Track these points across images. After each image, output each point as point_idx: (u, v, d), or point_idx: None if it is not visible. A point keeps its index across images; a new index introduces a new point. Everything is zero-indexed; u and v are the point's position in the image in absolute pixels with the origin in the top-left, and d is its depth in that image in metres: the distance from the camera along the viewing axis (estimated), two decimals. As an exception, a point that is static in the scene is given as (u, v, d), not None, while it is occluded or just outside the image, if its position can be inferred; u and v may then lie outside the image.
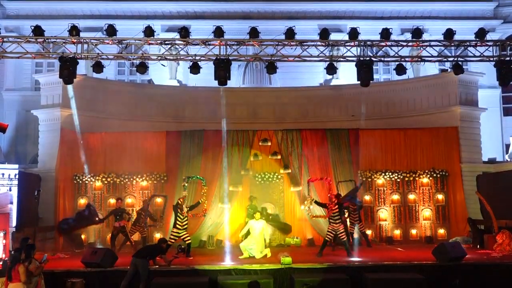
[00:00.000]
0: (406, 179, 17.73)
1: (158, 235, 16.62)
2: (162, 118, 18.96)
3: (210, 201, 16.98)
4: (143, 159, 17.22)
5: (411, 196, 17.75)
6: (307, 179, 15.45)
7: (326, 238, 13.91)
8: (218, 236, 17.07)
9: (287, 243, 16.92)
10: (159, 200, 16.95)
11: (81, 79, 17.84)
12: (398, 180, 17.71)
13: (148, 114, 19.11)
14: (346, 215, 15.69)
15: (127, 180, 17.34)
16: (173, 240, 13.87)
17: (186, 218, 13.99)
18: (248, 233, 14.11)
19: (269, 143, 17.52)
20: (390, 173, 17.69)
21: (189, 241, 14.00)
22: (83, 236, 16.65)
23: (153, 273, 11.36)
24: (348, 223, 15.69)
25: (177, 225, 13.92)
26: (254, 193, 17.28)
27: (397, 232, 17.54)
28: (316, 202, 14.64)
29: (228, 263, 12.58)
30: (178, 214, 13.96)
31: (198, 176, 15.65)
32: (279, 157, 17.46)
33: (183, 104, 19.43)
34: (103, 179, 17.30)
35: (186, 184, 14.92)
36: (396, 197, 17.73)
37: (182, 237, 13.97)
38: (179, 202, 14.21)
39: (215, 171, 17.22)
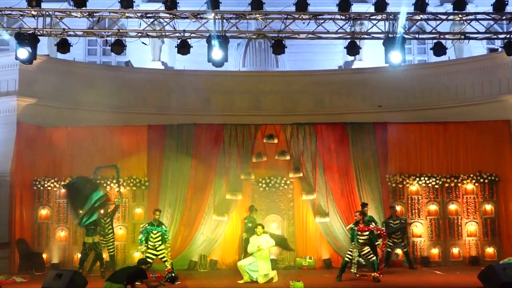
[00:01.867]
0: (446, 185, 17.73)
1: (137, 255, 16.65)
2: (143, 109, 19.06)
3: (202, 213, 17.12)
4: (120, 159, 17.22)
5: (452, 207, 17.75)
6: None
7: (346, 259, 13.94)
8: (212, 255, 17.12)
9: (298, 264, 16.97)
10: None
11: (43, 60, 17.87)
12: (436, 186, 17.72)
13: (126, 104, 19.17)
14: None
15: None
16: (150, 260, 13.77)
17: (158, 234, 14.03)
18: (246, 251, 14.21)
19: (276, 140, 17.57)
20: (426, 178, 17.69)
21: (169, 261, 14.00)
22: (44, 256, 16.70)
23: None
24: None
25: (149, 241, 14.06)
26: (257, 202, 17.38)
27: (435, 251, 17.57)
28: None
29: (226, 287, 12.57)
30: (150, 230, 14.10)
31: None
32: (288, 157, 17.51)
33: (169, 92, 19.48)
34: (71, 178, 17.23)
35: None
36: (433, 207, 17.74)
37: (159, 257, 14.01)
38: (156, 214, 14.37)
39: (208, 175, 17.30)
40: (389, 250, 16.34)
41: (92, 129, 17.53)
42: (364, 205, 15.96)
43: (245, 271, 13.66)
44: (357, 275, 13.69)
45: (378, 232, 14.16)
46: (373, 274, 13.48)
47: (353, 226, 13.89)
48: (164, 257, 14.01)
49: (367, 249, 13.80)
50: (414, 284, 13.10)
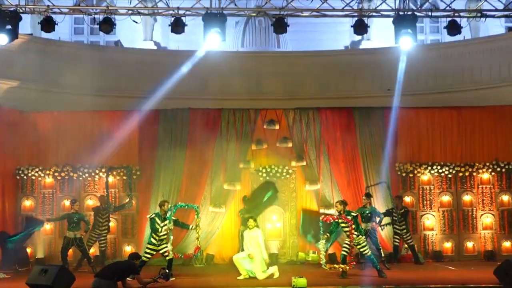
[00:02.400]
0: (460, 174, 17.73)
1: (128, 249, 16.75)
2: (134, 93, 18.99)
3: (198, 204, 16.83)
4: (109, 147, 17.12)
5: (467, 198, 17.77)
6: (322, 217, 14.49)
7: (343, 253, 14.01)
8: (209, 250, 17.17)
9: (300, 259, 17.04)
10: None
11: (26, 40, 17.82)
12: (450, 176, 17.73)
13: (115, 87, 19.17)
14: (384, 221, 16.09)
15: (87, 175, 17.33)
16: (148, 256, 13.95)
17: (165, 226, 13.97)
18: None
19: (277, 126, 17.58)
20: (438, 167, 17.68)
21: (170, 256, 14.03)
22: (28, 250, 16.71)
23: None
24: (387, 232, 15.88)
25: (153, 236, 14.00)
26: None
27: (448, 245, 17.62)
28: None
29: (221, 286, 12.54)
30: (157, 221, 14.00)
31: (189, 204, 15.34)
32: (290, 144, 17.53)
33: (162, 74, 19.21)
34: (55, 174, 17.30)
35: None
36: (446, 198, 17.76)
37: (161, 252, 14.04)
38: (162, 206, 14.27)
39: (204, 164, 17.29)
40: (396, 243, 16.44)
41: (79, 114, 17.45)
42: (368, 195, 16.04)
43: (243, 266, 13.70)
44: (327, 268, 13.76)
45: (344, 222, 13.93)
46: (342, 267, 13.67)
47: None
48: (165, 251, 13.96)
49: (362, 243, 13.89)
50: (425, 280, 13.12)
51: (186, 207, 15.07)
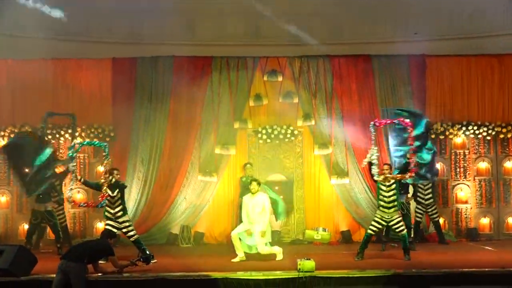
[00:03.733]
0: (501, 136, 17.75)
1: (101, 225, 16.71)
2: (107, 37, 18.87)
3: (184, 172, 17.16)
4: (77, 102, 17.24)
5: (509, 165, 17.79)
6: (373, 121, 14.20)
7: (369, 231, 13.93)
8: (198, 227, 17.25)
9: (308, 238, 17.07)
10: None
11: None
12: (488, 138, 17.74)
13: (84, 30, 18.92)
14: (411, 193, 15.90)
15: (50, 137, 17.22)
16: (115, 231, 13.53)
17: (117, 197, 13.53)
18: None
19: (280, 78, 17.57)
20: (475, 127, 17.66)
21: (135, 237, 13.60)
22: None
23: (95, 285, 11.31)
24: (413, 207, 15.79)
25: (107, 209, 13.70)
26: (256, 158, 17.45)
27: (485, 221, 17.67)
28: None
29: (213, 269, 12.44)
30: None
31: (95, 142, 14.84)
32: (296, 100, 17.53)
33: (140, 14, 19.16)
34: (12, 136, 17.06)
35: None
36: (484, 165, 17.78)
37: (123, 231, 13.65)
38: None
39: (192, 123, 17.36)
40: (419, 218, 16.37)
41: (40, 62, 17.32)
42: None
43: (244, 243, 13.64)
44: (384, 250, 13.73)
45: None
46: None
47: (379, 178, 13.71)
48: (130, 231, 13.60)
49: (396, 218, 13.72)
50: (456, 263, 12.93)
51: (92, 145, 14.68)
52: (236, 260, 13.53)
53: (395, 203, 13.67)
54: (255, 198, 13.79)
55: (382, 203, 13.67)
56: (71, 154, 13.71)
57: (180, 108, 17.31)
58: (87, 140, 15.86)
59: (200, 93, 17.33)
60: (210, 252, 15.28)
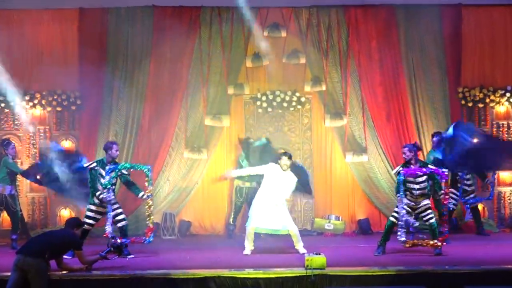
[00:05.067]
0: (554, 105, 17.89)
1: (66, 213, 16.83)
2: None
3: (167, 147, 17.29)
4: (35, 63, 17.33)
5: (562, 140, 17.85)
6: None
7: (392, 219, 13.78)
8: (184, 215, 17.37)
9: (318, 227, 17.07)
10: None
11: None
12: (537, 107, 17.87)
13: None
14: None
15: (3, 105, 17.33)
16: (90, 222, 13.69)
17: (110, 180, 13.63)
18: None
19: (284, 34, 17.61)
20: (521, 94, 17.78)
21: (124, 222, 13.83)
22: None
23: (59, 285, 11.25)
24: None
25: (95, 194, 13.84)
26: (255, 131, 17.43)
27: (532, 208, 17.74)
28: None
29: (202, 266, 12.35)
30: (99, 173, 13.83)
31: (137, 165, 14.73)
32: (303, 60, 17.52)
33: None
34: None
35: None
36: (532, 138, 17.89)
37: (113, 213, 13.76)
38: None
39: (176, 89, 17.40)
40: (453, 206, 16.06)
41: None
42: (434, 134, 15.82)
43: (256, 224, 13.41)
44: (407, 245, 13.50)
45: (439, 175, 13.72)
46: (431, 242, 13.34)
47: (400, 169, 13.62)
48: (119, 214, 13.77)
49: (425, 204, 13.62)
50: (496, 259, 12.74)
51: (132, 169, 14.31)
52: (247, 252, 13.45)
53: (426, 190, 13.62)
54: (284, 177, 13.57)
55: (411, 191, 13.63)
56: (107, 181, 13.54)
57: (162, 70, 17.32)
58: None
59: (187, 51, 17.31)
60: (199, 245, 15.29)
